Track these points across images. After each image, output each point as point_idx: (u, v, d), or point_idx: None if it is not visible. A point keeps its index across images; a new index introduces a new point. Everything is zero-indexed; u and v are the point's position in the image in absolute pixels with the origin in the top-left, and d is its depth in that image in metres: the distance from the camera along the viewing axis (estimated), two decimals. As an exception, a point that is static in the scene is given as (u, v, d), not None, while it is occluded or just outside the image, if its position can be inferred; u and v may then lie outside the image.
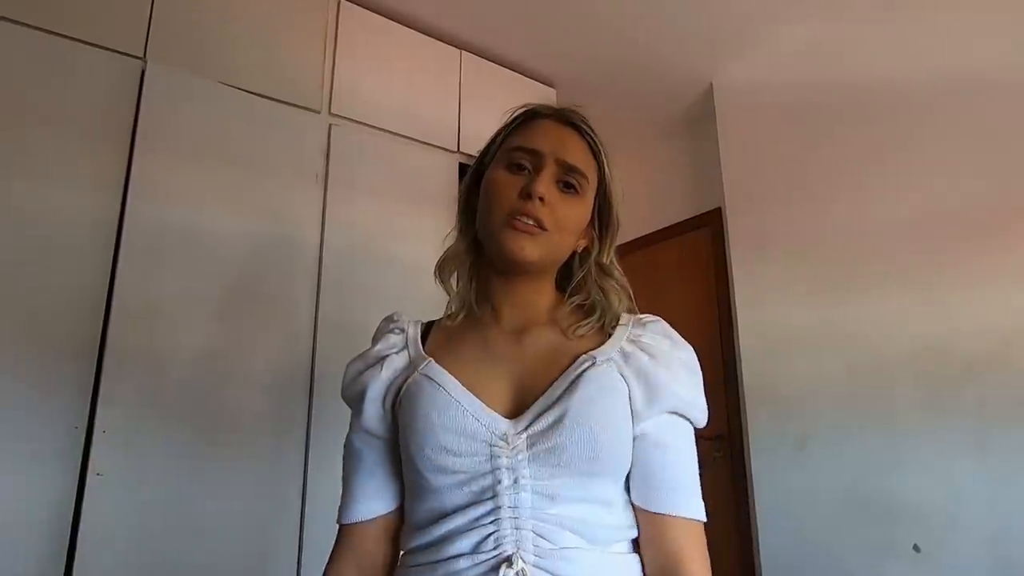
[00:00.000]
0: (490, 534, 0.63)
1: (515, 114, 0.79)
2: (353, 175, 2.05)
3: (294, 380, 1.83)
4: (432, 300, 0.87)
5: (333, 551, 0.75)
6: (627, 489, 0.69)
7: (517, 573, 0.61)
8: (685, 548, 0.66)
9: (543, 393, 0.67)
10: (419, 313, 0.84)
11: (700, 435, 0.73)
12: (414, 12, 2.30)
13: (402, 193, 2.14)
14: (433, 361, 0.72)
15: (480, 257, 0.78)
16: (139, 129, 1.69)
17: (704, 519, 0.68)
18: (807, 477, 2.18)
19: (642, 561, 0.68)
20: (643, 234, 3.17)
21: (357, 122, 2.12)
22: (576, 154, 0.74)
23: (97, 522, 1.47)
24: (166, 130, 1.73)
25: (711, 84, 2.72)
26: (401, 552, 0.73)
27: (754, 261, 2.48)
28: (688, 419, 0.71)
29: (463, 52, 2.47)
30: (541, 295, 0.77)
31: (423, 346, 0.76)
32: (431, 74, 2.36)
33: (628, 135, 3.13)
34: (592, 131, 0.77)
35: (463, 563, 0.63)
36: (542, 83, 2.70)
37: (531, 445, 0.64)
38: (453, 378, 0.70)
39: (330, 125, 2.05)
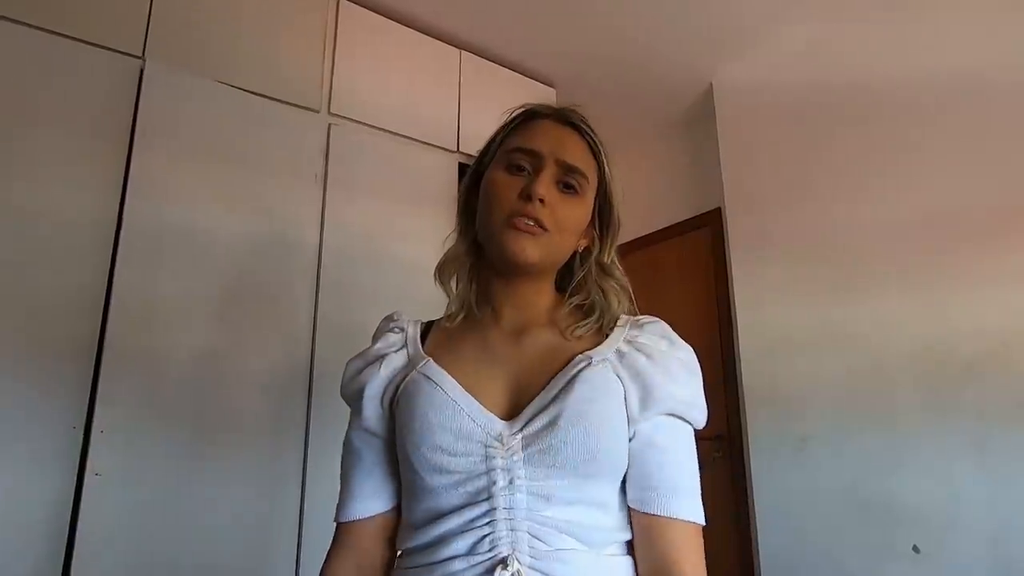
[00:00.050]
0: (486, 535, 0.63)
1: (514, 114, 0.78)
2: (352, 175, 2.05)
3: (293, 380, 1.82)
4: (432, 300, 0.87)
5: (330, 549, 0.75)
6: (623, 491, 0.68)
7: (512, 575, 0.60)
8: (678, 550, 0.65)
9: (538, 394, 0.67)
10: (419, 313, 0.84)
11: (700, 435, 0.71)
12: (413, 12, 2.30)
13: (402, 193, 2.14)
14: (432, 361, 0.72)
15: (480, 259, 0.78)
16: (138, 128, 1.69)
17: (702, 522, 0.67)
18: (807, 477, 2.18)
19: (635, 563, 0.67)
20: (643, 234, 3.16)
21: (356, 122, 2.12)
22: (576, 154, 0.73)
23: (95, 522, 1.47)
24: (165, 129, 1.73)
25: (711, 84, 2.72)
26: (398, 552, 0.73)
27: (754, 261, 2.48)
28: (687, 421, 0.70)
29: (463, 52, 2.47)
30: (541, 296, 0.77)
31: (422, 346, 0.76)
32: (431, 74, 2.36)
33: (628, 135, 3.13)
34: (592, 131, 0.76)
35: (459, 564, 0.63)
36: (542, 83, 2.70)
37: (526, 446, 0.64)
38: (451, 378, 0.69)
39: (329, 125, 2.05)
